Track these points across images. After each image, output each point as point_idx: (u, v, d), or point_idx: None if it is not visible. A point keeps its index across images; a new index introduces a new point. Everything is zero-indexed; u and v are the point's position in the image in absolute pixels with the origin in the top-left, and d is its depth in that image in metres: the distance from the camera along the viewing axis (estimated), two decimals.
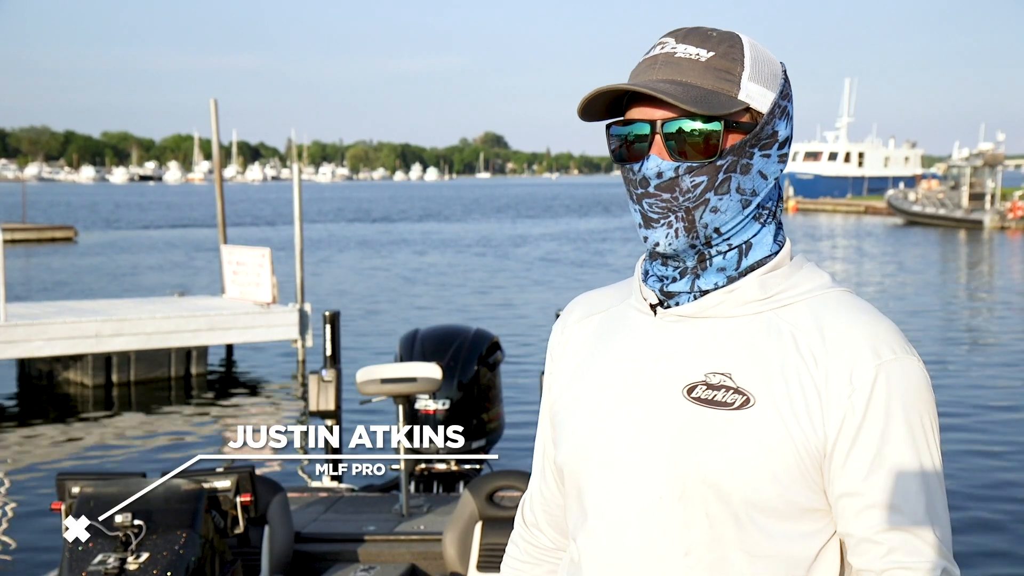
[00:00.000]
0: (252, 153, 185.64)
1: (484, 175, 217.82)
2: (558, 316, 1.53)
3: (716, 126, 1.24)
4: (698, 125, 1.24)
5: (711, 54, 1.25)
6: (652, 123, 1.25)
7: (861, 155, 63.26)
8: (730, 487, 1.23)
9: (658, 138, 1.25)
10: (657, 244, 1.27)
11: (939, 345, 14.07)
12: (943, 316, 17.30)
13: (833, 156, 62.89)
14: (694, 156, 1.25)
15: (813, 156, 62.93)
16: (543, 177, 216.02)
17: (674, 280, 1.30)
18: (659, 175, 1.26)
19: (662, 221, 1.27)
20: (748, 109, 1.26)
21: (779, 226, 1.34)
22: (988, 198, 39.43)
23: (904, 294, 20.28)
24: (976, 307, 19.00)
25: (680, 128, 1.24)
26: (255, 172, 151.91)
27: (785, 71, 1.31)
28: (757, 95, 1.26)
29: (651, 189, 1.27)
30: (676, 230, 1.26)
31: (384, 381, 4.96)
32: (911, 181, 57.87)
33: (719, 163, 1.25)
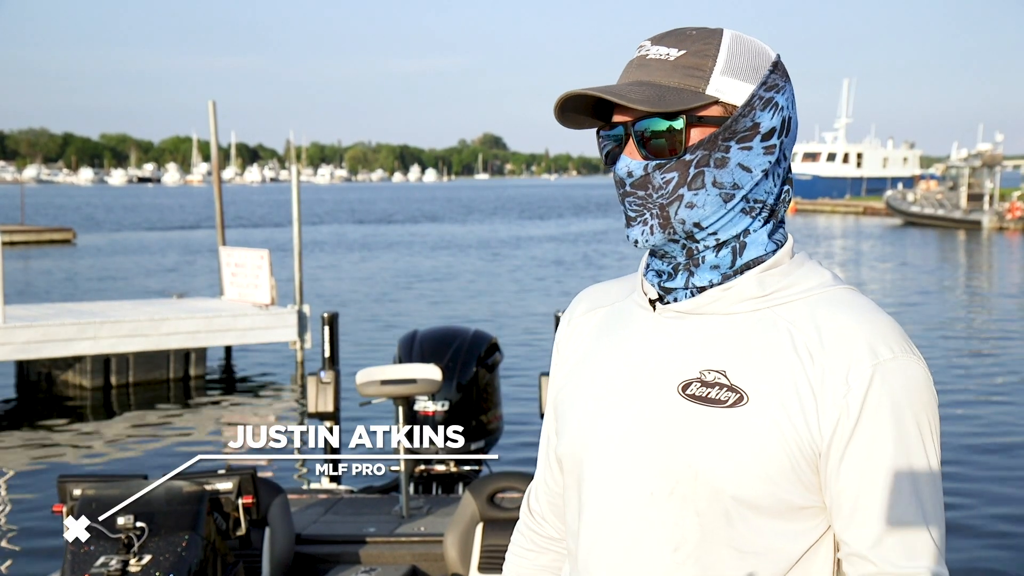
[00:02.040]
0: (251, 155, 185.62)
1: (483, 176, 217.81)
2: (557, 317, 1.55)
3: (678, 123, 1.25)
4: (659, 123, 1.25)
5: (682, 53, 1.26)
6: (625, 125, 1.28)
7: (859, 156, 63.30)
8: (720, 484, 1.23)
9: (631, 139, 1.28)
10: (636, 241, 1.30)
11: (938, 345, 14.09)
12: (942, 317, 17.30)
13: (831, 157, 62.92)
14: (659, 154, 1.26)
15: (811, 157, 62.94)
16: (542, 178, 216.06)
17: (669, 276, 1.32)
18: (630, 174, 1.28)
19: (638, 219, 1.29)
20: (719, 103, 1.26)
21: (779, 224, 1.33)
22: (987, 199, 39.43)
23: (903, 295, 20.29)
24: (975, 307, 19.02)
25: (645, 128, 1.26)
26: (254, 174, 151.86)
27: (776, 63, 1.30)
28: (729, 88, 1.26)
29: (627, 188, 1.29)
30: (651, 227, 1.28)
31: (384, 383, 4.96)
32: (909, 182, 57.83)
33: (687, 158, 1.26)
